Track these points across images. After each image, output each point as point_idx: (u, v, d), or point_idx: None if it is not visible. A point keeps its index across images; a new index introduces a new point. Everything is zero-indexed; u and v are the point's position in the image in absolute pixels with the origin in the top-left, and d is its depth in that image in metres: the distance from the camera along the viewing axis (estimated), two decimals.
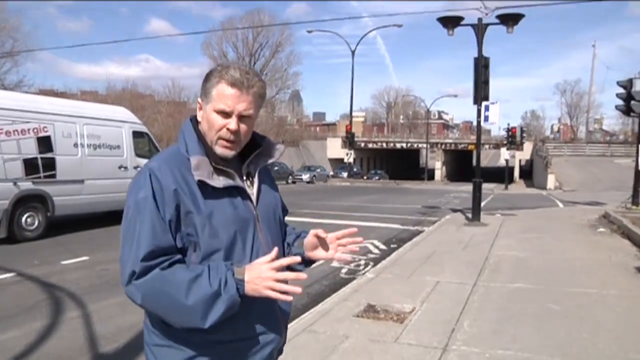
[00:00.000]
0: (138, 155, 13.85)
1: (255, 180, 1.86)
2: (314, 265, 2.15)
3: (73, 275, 7.81)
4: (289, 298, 1.62)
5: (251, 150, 1.88)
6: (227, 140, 1.74)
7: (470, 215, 14.48)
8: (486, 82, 13.46)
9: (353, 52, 39.01)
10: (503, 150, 41.87)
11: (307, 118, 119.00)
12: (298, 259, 1.74)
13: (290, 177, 41.76)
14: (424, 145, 63.58)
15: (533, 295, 6.46)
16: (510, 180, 45.41)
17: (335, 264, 8.97)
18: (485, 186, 29.59)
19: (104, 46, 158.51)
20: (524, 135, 43.63)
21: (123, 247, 1.65)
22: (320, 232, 1.90)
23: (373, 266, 8.63)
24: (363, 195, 27.98)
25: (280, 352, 1.99)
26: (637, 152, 17.38)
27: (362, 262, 9.27)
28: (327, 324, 5.34)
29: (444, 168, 65.68)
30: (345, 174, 49.60)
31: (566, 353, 4.50)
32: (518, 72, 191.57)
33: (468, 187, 27.75)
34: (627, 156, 65.06)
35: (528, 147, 59.37)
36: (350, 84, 38.04)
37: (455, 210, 17.95)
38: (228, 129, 1.72)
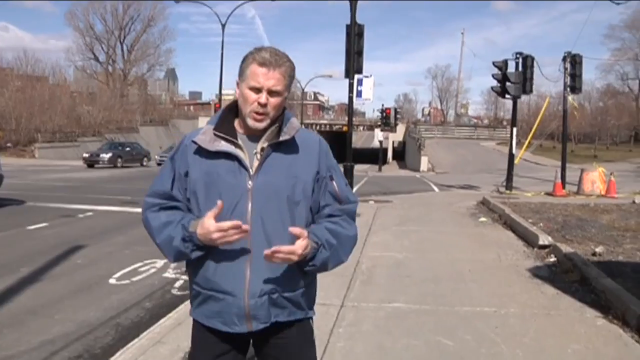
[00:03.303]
0: None
1: (258, 155, 2.01)
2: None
3: None
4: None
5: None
6: (257, 113, 1.98)
7: None
8: (359, 53, 11.90)
9: (223, 26, 36.41)
10: (377, 131, 41.53)
11: (183, 97, 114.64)
12: (237, 223, 1.87)
13: (145, 159, 37.13)
14: None
15: (418, 321, 4.88)
16: (384, 161, 45.34)
17: (167, 274, 6.99)
18: (360, 167, 28.80)
19: None
20: (398, 116, 43.56)
21: None
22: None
23: None
24: None
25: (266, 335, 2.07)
26: (512, 136, 16.87)
27: None
28: None
29: None
30: None
31: None
32: (392, 57, 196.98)
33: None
34: (492, 139, 68.60)
35: (401, 129, 60.13)
36: (220, 60, 35.54)
37: None
38: (259, 103, 1.96)
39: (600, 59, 66.98)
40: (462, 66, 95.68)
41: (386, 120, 37.76)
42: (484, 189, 19.22)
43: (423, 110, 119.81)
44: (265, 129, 2.02)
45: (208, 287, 2.00)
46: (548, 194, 16.48)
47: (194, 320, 2.13)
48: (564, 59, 17.47)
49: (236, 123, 2.08)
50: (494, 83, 17.18)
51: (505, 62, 16.60)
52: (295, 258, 1.90)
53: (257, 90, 1.95)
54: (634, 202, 14.09)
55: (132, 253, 8.15)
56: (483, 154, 50.65)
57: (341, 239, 2.05)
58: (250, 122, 1.99)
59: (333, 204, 2.09)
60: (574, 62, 17.40)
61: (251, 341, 2.13)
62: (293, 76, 2.04)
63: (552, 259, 7.38)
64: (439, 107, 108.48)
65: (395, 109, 40.12)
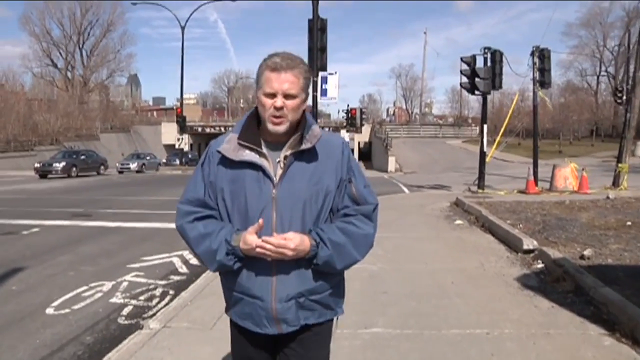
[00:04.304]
0: None
1: (281, 164, 2.03)
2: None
3: None
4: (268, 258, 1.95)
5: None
6: (274, 117, 1.99)
7: None
8: (323, 49, 11.16)
9: (183, 28, 35.68)
10: (343, 132, 40.94)
11: (147, 103, 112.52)
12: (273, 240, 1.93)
13: (102, 167, 34.99)
14: None
15: (401, 350, 4.19)
16: None
17: (115, 299, 6.16)
18: None
19: None
20: (364, 117, 43.05)
21: None
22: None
23: (170, 300, 5.93)
24: None
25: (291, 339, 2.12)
26: (482, 133, 16.40)
27: (159, 291, 6.51)
28: None
29: None
30: (178, 161, 45.14)
31: None
32: (356, 58, 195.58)
33: None
34: (457, 137, 68.82)
35: (366, 129, 59.70)
36: (181, 62, 34.67)
37: None
38: (275, 107, 1.97)
39: (562, 52, 67.97)
40: (425, 65, 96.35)
41: (352, 121, 37.02)
42: (455, 188, 18.75)
43: (388, 110, 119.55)
44: (288, 137, 2.04)
45: (239, 290, 2.09)
46: (521, 191, 16.09)
47: (230, 319, 2.22)
48: (532, 54, 17.13)
49: (259, 130, 2.09)
50: (458, 81, 16.88)
51: (474, 57, 16.14)
52: (289, 253, 1.92)
53: (272, 95, 1.97)
54: (608, 197, 13.77)
55: (77, 275, 7.28)
56: (450, 152, 50.54)
57: (352, 236, 2.04)
58: (270, 126, 2.00)
59: (351, 205, 2.09)
60: (542, 57, 17.07)
61: None
62: (309, 78, 2.06)
63: (540, 265, 6.80)
64: (404, 106, 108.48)
65: (361, 109, 39.40)
